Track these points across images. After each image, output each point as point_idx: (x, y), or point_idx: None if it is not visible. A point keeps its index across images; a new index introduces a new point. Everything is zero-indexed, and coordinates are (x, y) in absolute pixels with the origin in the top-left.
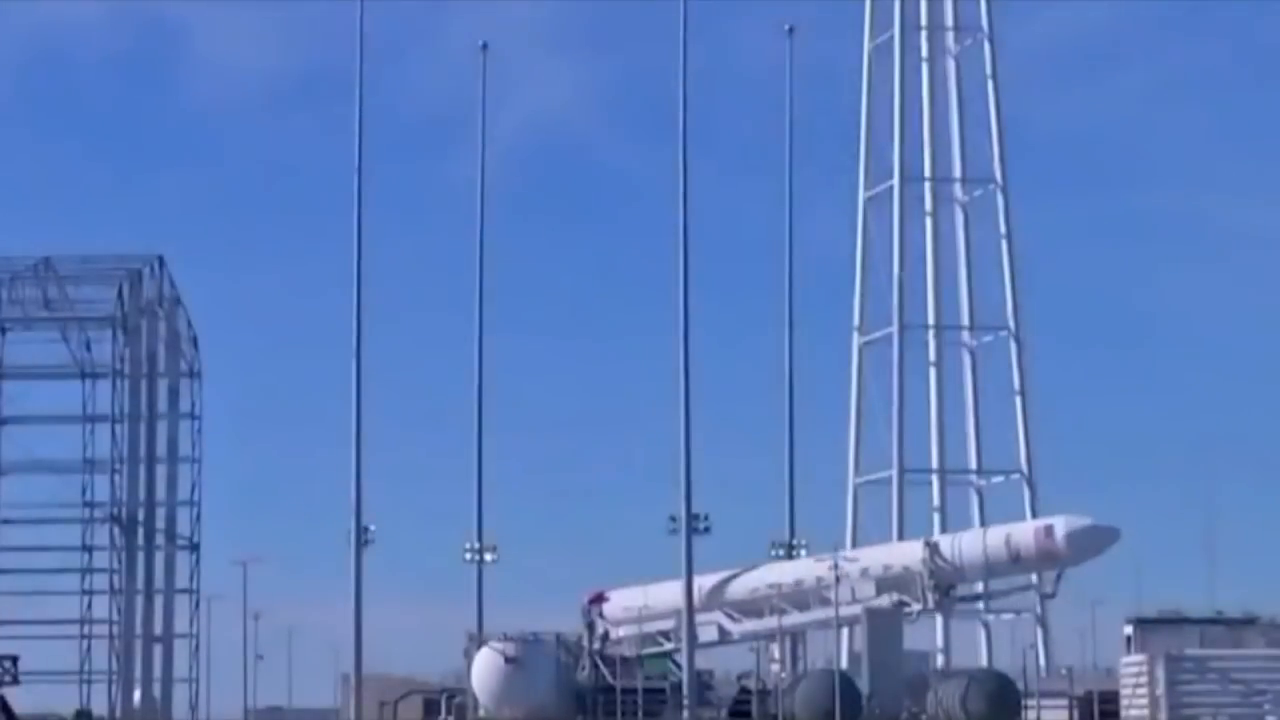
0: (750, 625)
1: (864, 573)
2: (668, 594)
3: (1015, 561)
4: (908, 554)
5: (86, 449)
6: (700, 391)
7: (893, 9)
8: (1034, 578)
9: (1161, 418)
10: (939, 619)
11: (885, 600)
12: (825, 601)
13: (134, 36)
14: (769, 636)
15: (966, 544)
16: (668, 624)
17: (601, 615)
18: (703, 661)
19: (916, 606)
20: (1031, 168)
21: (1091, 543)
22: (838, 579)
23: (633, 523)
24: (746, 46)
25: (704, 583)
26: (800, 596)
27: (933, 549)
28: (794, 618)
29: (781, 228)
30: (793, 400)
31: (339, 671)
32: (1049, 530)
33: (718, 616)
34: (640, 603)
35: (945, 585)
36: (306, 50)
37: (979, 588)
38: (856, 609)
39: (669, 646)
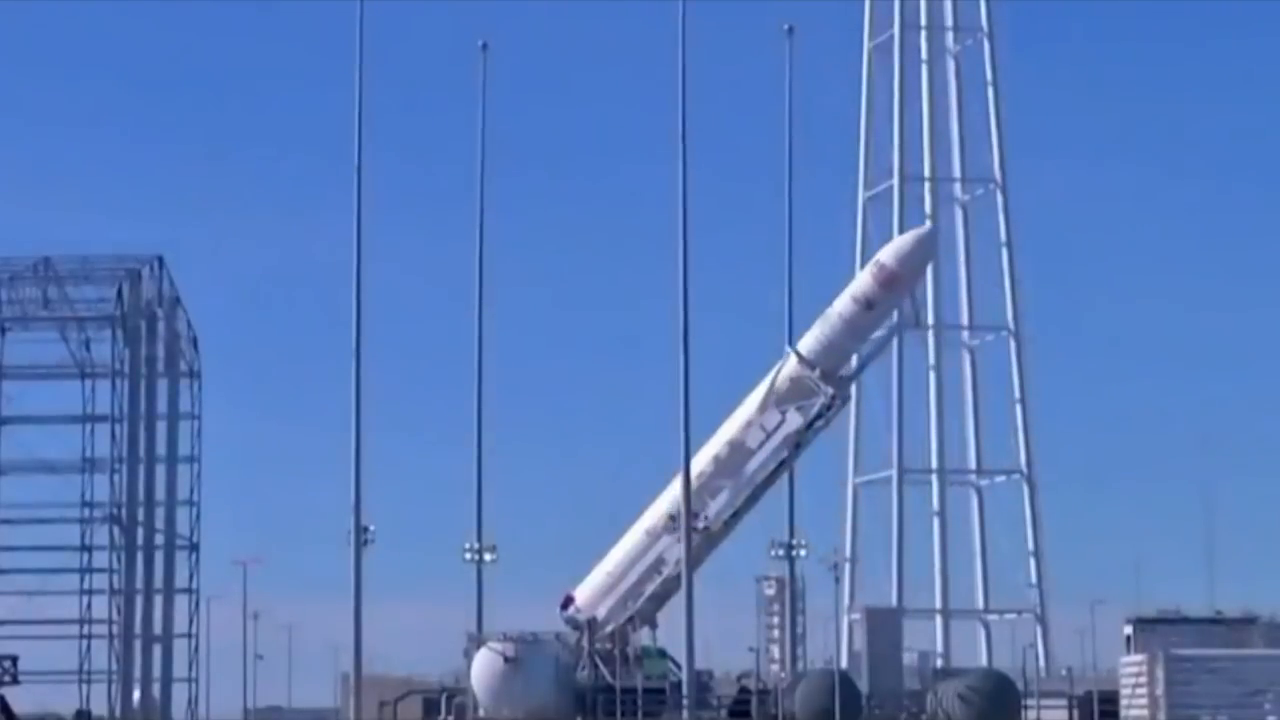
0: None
1: (762, 408)
2: (620, 554)
3: (870, 308)
4: (784, 372)
5: (86, 449)
6: (701, 391)
7: (893, 9)
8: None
9: (1161, 418)
10: (939, 627)
11: (795, 415)
12: (750, 454)
13: (133, 36)
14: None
15: (822, 324)
16: (637, 573)
17: (578, 611)
18: (702, 661)
19: (821, 399)
20: (1031, 169)
21: (918, 252)
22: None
23: (633, 523)
24: (746, 46)
25: (646, 520)
26: (731, 467)
27: (797, 352)
28: (733, 490)
29: (781, 227)
30: None
31: (339, 671)
32: (878, 264)
33: (673, 535)
34: (601, 576)
35: (833, 371)
36: (307, 50)
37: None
38: (785, 437)
39: (653, 589)
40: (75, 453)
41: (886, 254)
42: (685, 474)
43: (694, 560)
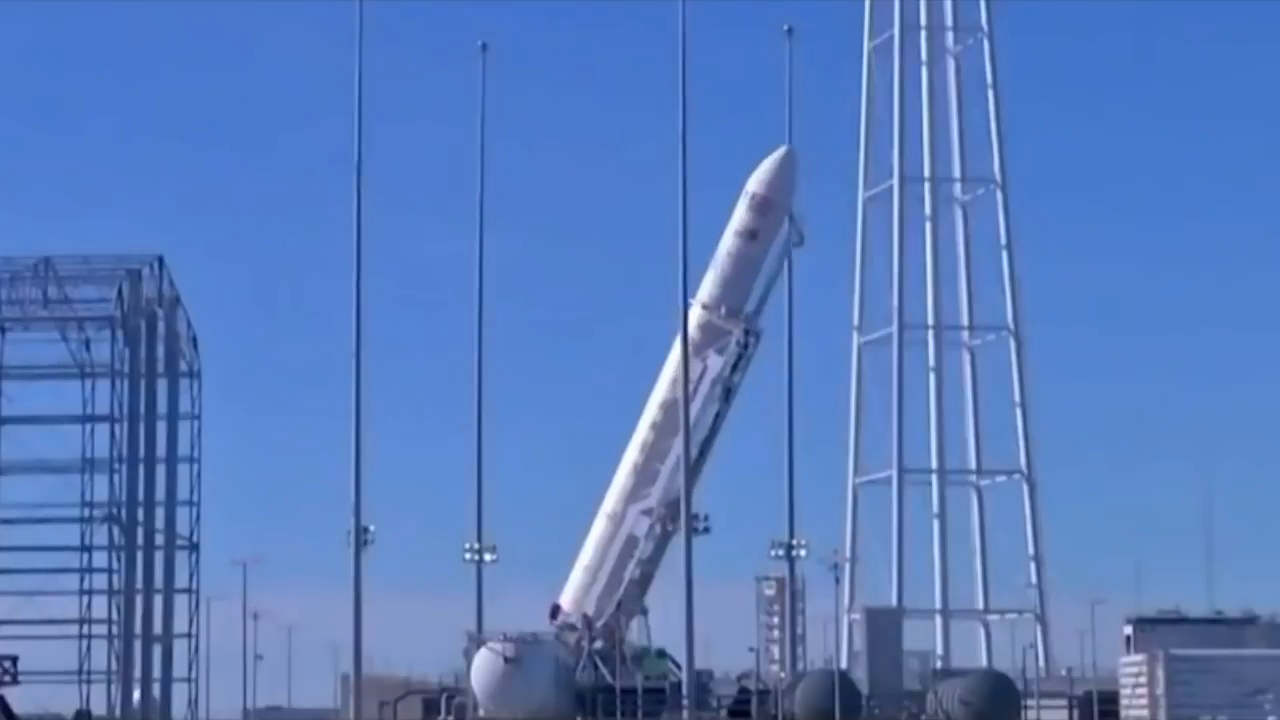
0: (661, 484)
1: (680, 366)
2: (592, 546)
3: (753, 238)
4: (694, 321)
5: (86, 449)
6: None
7: (893, 9)
8: None
9: (1161, 418)
10: (939, 627)
11: (715, 359)
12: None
13: (133, 35)
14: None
15: (714, 269)
16: (612, 560)
17: (567, 615)
18: (702, 661)
19: (735, 338)
20: (1031, 168)
21: (782, 174)
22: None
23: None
24: (746, 46)
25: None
26: (671, 427)
27: (700, 302)
28: (680, 444)
29: None
30: (792, 400)
31: (339, 671)
32: (748, 194)
33: (636, 510)
34: (580, 574)
35: (739, 309)
36: (307, 50)
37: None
38: (711, 383)
39: (631, 572)
40: (75, 453)
41: (753, 183)
42: (686, 476)
43: (665, 537)
